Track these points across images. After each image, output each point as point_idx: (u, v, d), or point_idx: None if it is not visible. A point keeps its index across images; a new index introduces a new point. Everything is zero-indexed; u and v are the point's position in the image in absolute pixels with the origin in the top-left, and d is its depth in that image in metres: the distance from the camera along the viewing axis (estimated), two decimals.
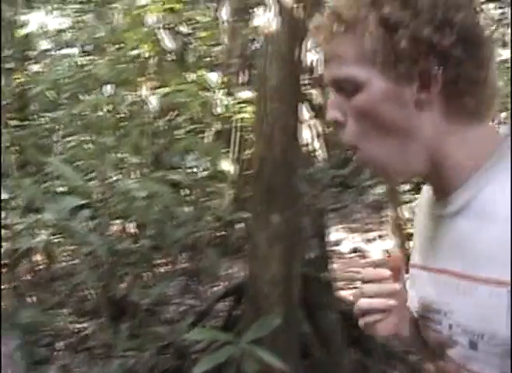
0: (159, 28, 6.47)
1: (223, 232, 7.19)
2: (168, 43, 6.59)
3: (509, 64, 12.11)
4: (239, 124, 6.94)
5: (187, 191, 6.31)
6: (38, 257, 6.22)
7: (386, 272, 1.28)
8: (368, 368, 5.76)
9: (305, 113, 5.66)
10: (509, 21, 9.97)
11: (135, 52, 5.95)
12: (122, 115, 6.57)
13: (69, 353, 5.96)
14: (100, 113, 6.21)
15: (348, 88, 1.16)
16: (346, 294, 7.51)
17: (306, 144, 5.88)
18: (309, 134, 5.85)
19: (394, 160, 1.18)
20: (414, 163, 1.19)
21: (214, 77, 6.57)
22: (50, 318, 5.78)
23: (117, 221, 5.81)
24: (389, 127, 1.15)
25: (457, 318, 1.18)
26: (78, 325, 6.39)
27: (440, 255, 1.25)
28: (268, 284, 4.74)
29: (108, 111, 6.19)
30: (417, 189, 11.61)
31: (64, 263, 7.12)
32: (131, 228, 6.66)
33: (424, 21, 1.09)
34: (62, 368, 5.57)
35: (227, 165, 6.33)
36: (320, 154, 5.83)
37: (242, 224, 6.80)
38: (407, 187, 11.79)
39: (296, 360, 5.20)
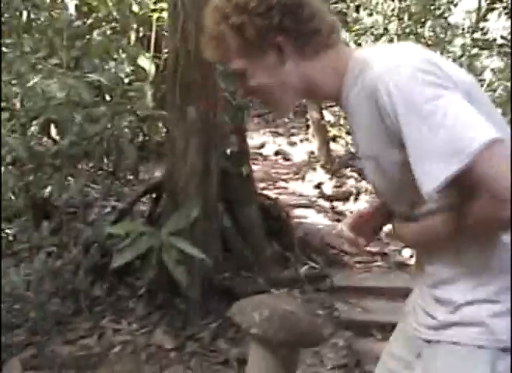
0: None
1: (144, 136, 7.20)
2: None
3: None
4: (157, 23, 6.87)
5: (108, 92, 6.25)
6: None
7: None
8: (288, 260, 5.96)
9: None
10: None
11: None
12: (39, 16, 6.40)
13: None
14: (16, 14, 6.03)
15: (240, 75, 1.75)
16: (268, 193, 7.69)
17: None
18: None
19: (281, 103, 1.80)
20: (291, 98, 1.79)
21: None
22: None
23: (36, 122, 5.74)
24: (274, 85, 1.74)
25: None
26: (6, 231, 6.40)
27: (354, 142, 1.88)
28: (185, 178, 4.81)
29: (21, 13, 6.03)
30: None
31: None
32: (51, 129, 6.62)
33: (256, 15, 1.65)
34: None
35: (147, 65, 6.28)
36: None
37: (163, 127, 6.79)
38: None
39: (216, 251, 5.35)
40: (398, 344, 1.96)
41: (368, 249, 6.55)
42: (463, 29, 11.99)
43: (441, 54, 11.62)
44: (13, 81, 5.48)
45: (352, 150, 9.95)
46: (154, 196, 5.87)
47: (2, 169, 6.47)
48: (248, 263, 5.60)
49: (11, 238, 6.30)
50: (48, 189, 6.03)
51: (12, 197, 6.32)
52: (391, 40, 11.67)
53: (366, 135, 1.69)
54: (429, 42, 11.73)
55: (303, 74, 1.72)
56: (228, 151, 5.66)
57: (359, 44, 12.10)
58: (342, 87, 1.71)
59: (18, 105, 5.43)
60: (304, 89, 1.75)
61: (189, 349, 4.62)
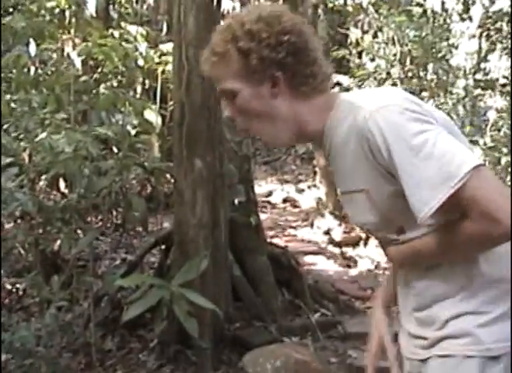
0: None
1: (152, 188, 7.25)
2: None
3: None
4: (163, 76, 6.97)
5: (115, 145, 6.32)
6: None
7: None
8: (300, 308, 5.92)
9: None
10: None
11: (50, 4, 5.87)
12: (46, 71, 6.50)
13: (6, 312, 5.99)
14: (24, 71, 6.12)
15: (229, 95, 1.82)
16: (278, 240, 7.69)
17: None
18: None
19: (272, 134, 1.85)
20: (284, 134, 1.85)
21: (134, 30, 6.53)
22: None
23: (44, 177, 5.79)
24: (260, 114, 1.81)
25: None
26: (16, 285, 6.43)
27: (337, 182, 1.93)
28: (194, 229, 4.82)
29: (28, 69, 6.12)
30: None
31: None
32: (60, 183, 6.67)
33: (264, 46, 1.73)
34: None
35: (153, 117, 6.34)
36: None
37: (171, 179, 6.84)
38: None
39: (227, 301, 5.34)
40: None
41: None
42: (465, 71, 12.06)
43: (444, 96, 11.70)
44: (21, 137, 5.55)
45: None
46: (163, 247, 5.89)
47: (12, 223, 6.52)
48: (259, 312, 5.58)
49: (21, 292, 6.31)
50: (58, 243, 6.06)
51: (22, 252, 6.35)
52: (394, 84, 11.76)
53: (352, 172, 1.79)
54: (432, 84, 11.82)
55: (290, 111, 1.81)
56: (236, 201, 5.69)
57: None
58: (325, 128, 1.83)
59: (26, 160, 5.48)
60: (292, 125, 1.83)
61: None
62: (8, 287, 6.39)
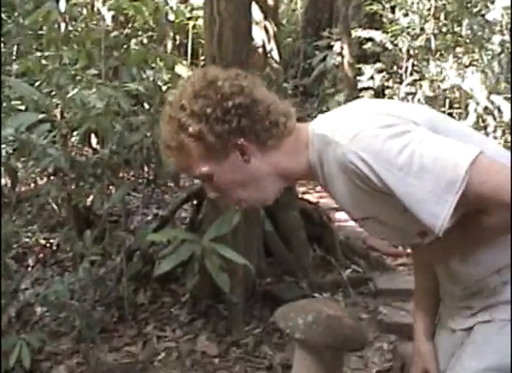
0: None
1: None
2: None
3: None
4: (193, 31, 6.93)
5: (146, 100, 6.31)
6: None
7: None
8: (331, 264, 5.93)
9: (257, 15, 5.64)
10: None
11: None
12: (77, 27, 6.47)
13: (40, 266, 6.09)
14: (54, 27, 6.10)
15: (206, 178, 1.76)
16: (309, 197, 7.67)
17: (263, 46, 5.87)
18: (264, 36, 5.83)
19: (262, 196, 1.82)
20: (273, 189, 1.80)
21: None
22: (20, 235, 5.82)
23: (76, 133, 5.81)
24: (244, 183, 1.76)
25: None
26: (50, 241, 6.51)
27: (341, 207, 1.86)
28: None
29: (59, 25, 6.09)
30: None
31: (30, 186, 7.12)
32: (92, 139, 6.69)
33: (213, 122, 1.66)
34: (35, 281, 5.68)
35: (184, 72, 6.31)
36: (275, 55, 5.82)
37: None
38: (367, 95, 11.89)
39: (259, 257, 5.35)
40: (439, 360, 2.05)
41: (410, 251, 6.50)
42: (501, 26, 11.81)
43: (479, 52, 11.49)
44: (53, 93, 5.55)
45: None
46: (195, 202, 5.90)
47: (45, 179, 6.58)
48: (291, 268, 5.59)
49: (55, 247, 6.40)
50: (90, 198, 6.10)
51: (55, 207, 6.42)
52: (427, 40, 11.58)
53: (352, 203, 1.75)
54: (467, 40, 11.61)
55: (269, 166, 1.75)
56: None
57: (396, 45, 12.02)
58: (311, 166, 1.77)
59: (58, 116, 5.50)
60: (277, 175, 1.78)
61: (233, 355, 4.61)
62: (42, 242, 6.48)
